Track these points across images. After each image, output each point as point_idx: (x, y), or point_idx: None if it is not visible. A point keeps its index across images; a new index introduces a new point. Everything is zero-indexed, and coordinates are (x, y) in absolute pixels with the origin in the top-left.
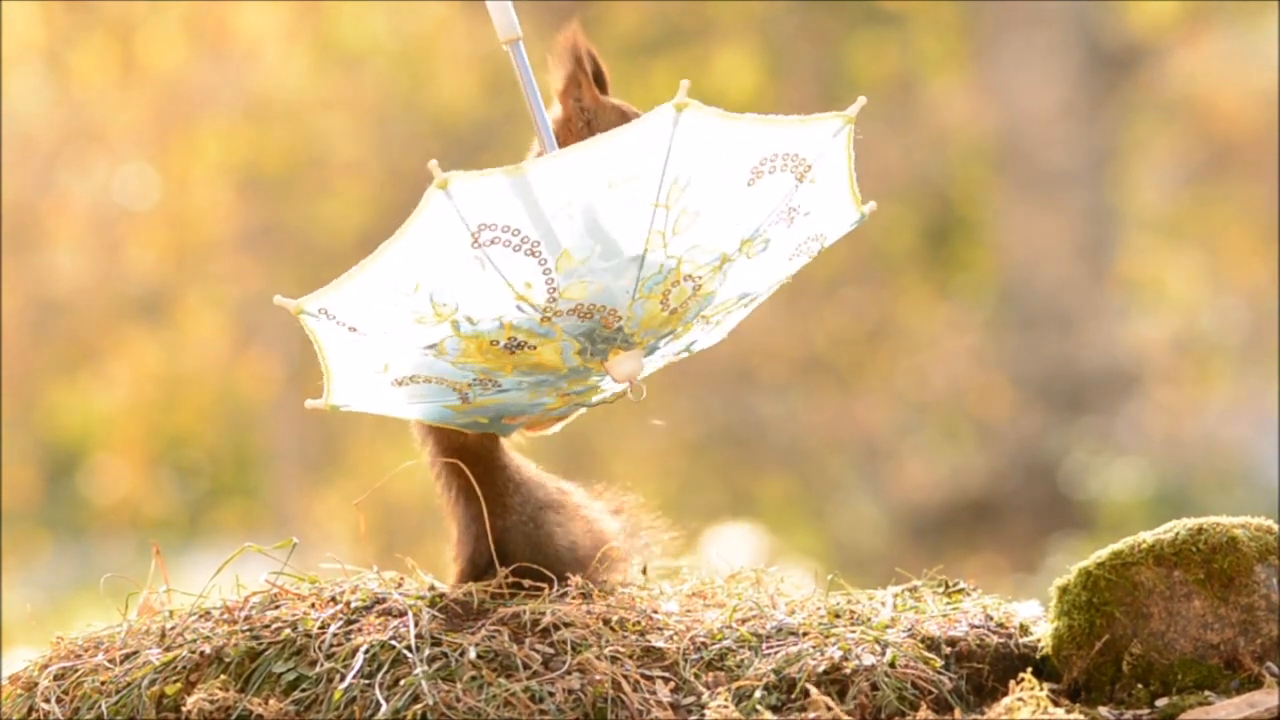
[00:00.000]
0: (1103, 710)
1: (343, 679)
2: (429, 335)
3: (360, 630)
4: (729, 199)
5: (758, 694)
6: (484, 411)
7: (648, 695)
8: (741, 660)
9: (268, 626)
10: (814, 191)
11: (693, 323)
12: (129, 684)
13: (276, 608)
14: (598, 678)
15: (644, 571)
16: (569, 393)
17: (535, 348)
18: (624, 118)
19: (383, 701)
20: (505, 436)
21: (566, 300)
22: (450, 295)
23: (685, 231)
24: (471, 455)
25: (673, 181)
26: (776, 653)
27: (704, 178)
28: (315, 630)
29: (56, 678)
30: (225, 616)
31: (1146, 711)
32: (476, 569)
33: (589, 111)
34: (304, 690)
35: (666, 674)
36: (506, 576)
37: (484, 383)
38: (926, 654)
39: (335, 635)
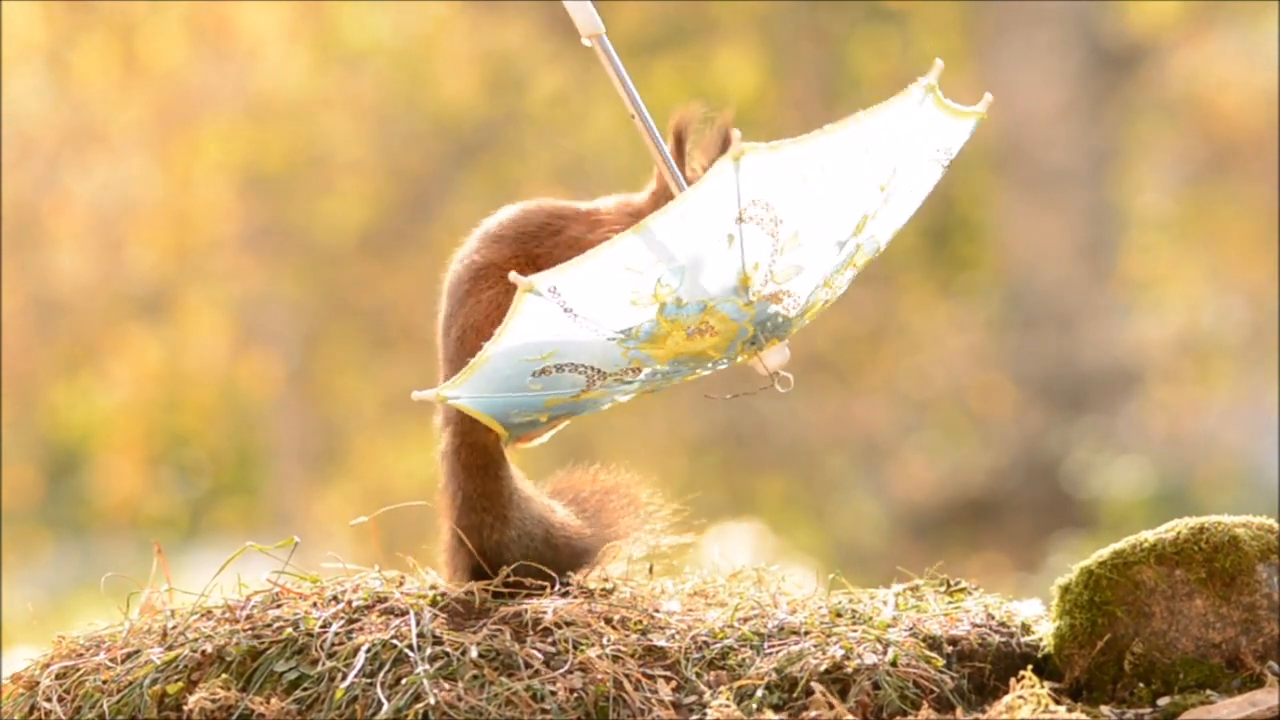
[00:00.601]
0: (1104, 709)
1: (344, 678)
2: (632, 318)
3: (362, 629)
4: (913, 189)
5: (759, 693)
6: (568, 408)
7: (649, 694)
8: (743, 659)
9: (269, 625)
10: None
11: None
12: (130, 683)
13: (278, 607)
14: (599, 676)
15: (649, 570)
16: (659, 386)
17: (716, 334)
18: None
19: (384, 701)
20: (508, 446)
21: (774, 284)
22: (677, 275)
23: (879, 218)
24: (487, 456)
25: (895, 165)
26: (778, 651)
27: (909, 164)
28: (317, 629)
29: (58, 677)
30: (227, 615)
31: (1148, 710)
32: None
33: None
34: (305, 689)
35: (668, 673)
36: (507, 576)
37: (627, 371)
38: (928, 653)
39: (337, 634)
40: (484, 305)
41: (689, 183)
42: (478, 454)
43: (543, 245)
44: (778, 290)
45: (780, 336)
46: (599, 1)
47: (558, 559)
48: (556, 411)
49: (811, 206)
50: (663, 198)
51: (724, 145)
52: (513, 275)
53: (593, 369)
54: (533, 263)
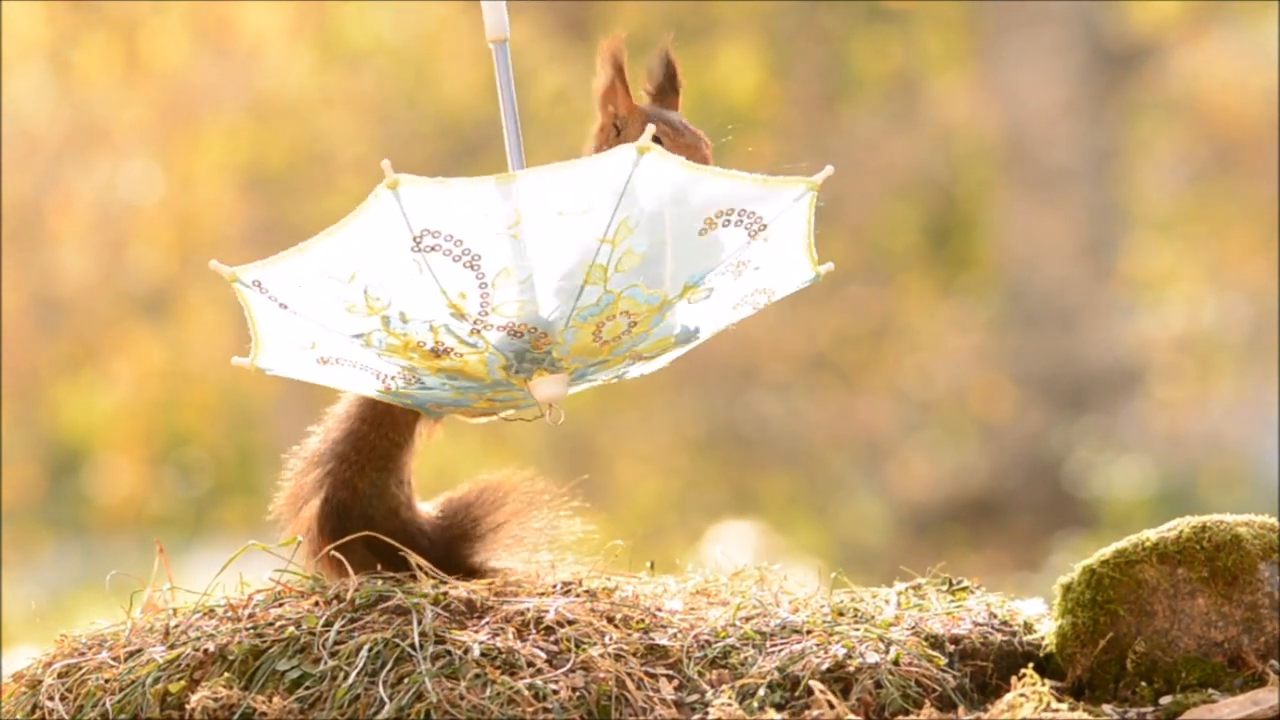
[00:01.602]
0: (1106, 708)
1: (346, 677)
2: (358, 325)
3: (364, 628)
4: (678, 245)
5: (761, 692)
6: (409, 400)
7: (651, 693)
8: (745, 658)
9: (271, 624)
10: (766, 249)
11: (625, 355)
12: (133, 682)
13: (280, 605)
14: (601, 675)
15: (651, 566)
16: (495, 400)
17: (462, 355)
18: (648, 122)
19: (386, 699)
20: (434, 420)
21: (499, 316)
22: (385, 291)
23: (628, 270)
24: (398, 427)
25: (622, 221)
26: (780, 650)
27: (654, 222)
28: (319, 628)
29: (60, 675)
30: (229, 614)
31: (1150, 709)
32: (327, 511)
33: (620, 120)
34: (307, 688)
35: (670, 672)
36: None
37: (408, 378)
38: (930, 652)
39: (339, 633)
40: None
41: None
42: (404, 413)
43: None
44: (509, 323)
45: (550, 369)
46: (602, 1)
47: (410, 540)
48: (410, 403)
49: (516, 247)
50: (603, 131)
51: (667, 70)
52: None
53: (371, 368)
54: None
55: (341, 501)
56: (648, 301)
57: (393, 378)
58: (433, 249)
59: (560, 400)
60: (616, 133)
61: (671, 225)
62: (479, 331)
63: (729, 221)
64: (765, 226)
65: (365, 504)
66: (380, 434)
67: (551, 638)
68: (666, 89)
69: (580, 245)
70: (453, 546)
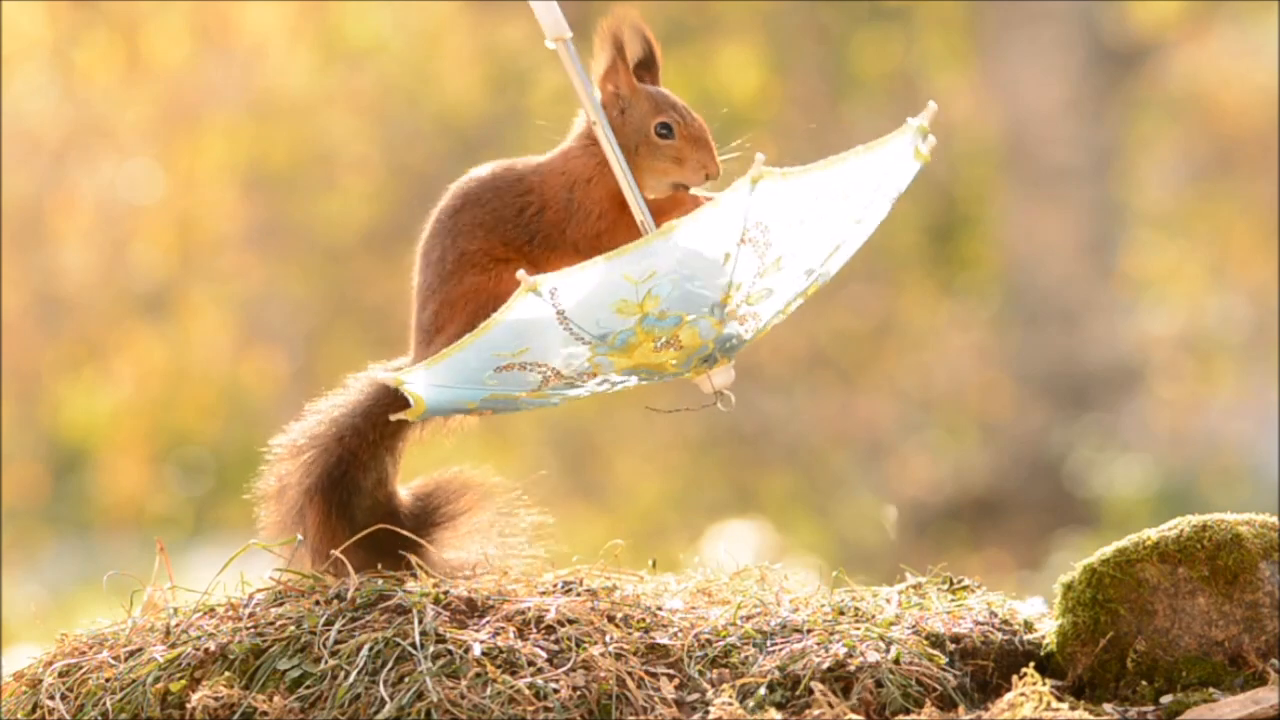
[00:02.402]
0: (1107, 707)
1: (347, 676)
2: (615, 324)
3: (364, 627)
4: (872, 224)
5: (762, 691)
6: (511, 405)
7: (652, 692)
8: (746, 657)
9: (272, 623)
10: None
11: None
12: (133, 681)
13: (280, 605)
14: (602, 674)
15: (652, 565)
16: (606, 392)
17: (680, 348)
18: (656, 108)
19: (387, 698)
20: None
21: (747, 306)
22: (668, 288)
23: (842, 249)
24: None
25: (870, 200)
26: (781, 649)
27: (878, 200)
28: (319, 627)
29: (61, 674)
30: (230, 613)
31: (1151, 708)
32: (324, 478)
33: (624, 100)
34: (308, 687)
35: (671, 671)
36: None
37: (584, 376)
38: (931, 651)
39: (339, 632)
40: (465, 287)
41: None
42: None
43: (528, 230)
44: (748, 311)
45: (730, 356)
46: (600, 1)
47: (392, 514)
48: (489, 406)
49: (798, 234)
50: (592, 152)
51: (645, 46)
52: (520, 274)
53: (552, 370)
54: (522, 254)
55: (337, 466)
56: (821, 282)
57: (562, 377)
58: (750, 241)
59: (729, 386)
60: (620, 112)
61: (880, 206)
62: (723, 321)
63: (890, 198)
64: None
65: (359, 471)
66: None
67: (552, 637)
68: (649, 64)
69: (838, 227)
70: (418, 531)
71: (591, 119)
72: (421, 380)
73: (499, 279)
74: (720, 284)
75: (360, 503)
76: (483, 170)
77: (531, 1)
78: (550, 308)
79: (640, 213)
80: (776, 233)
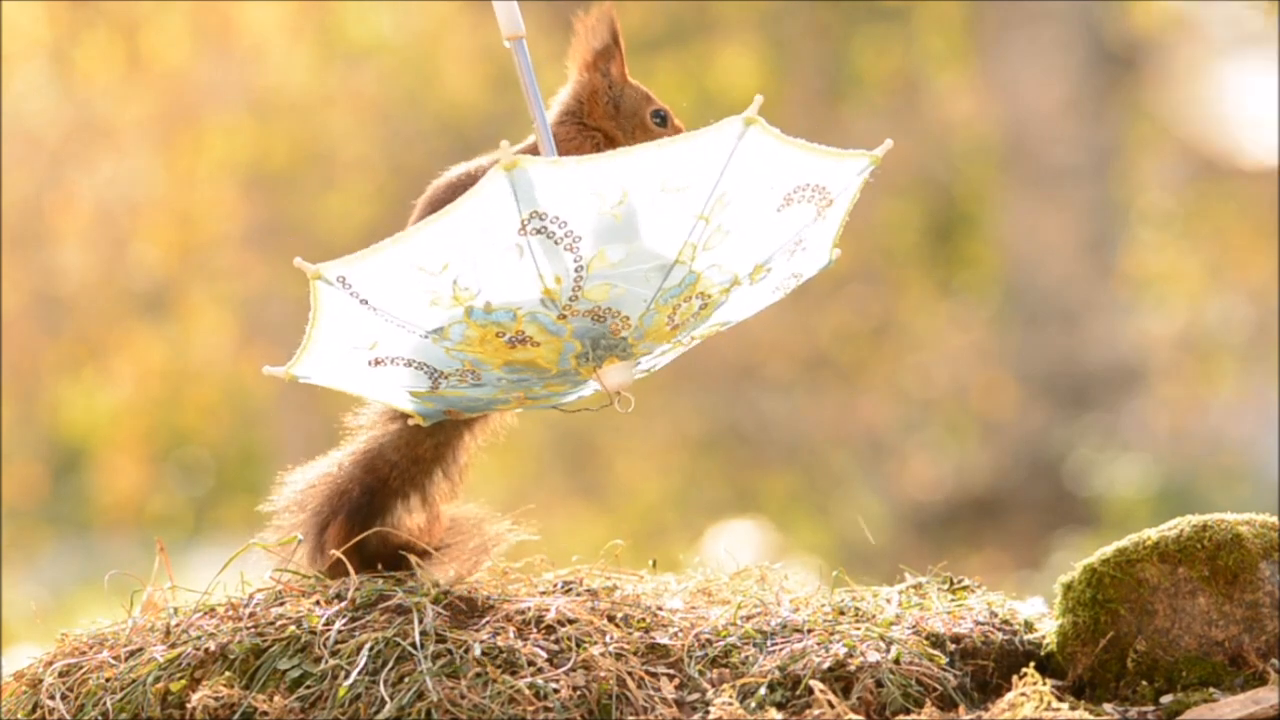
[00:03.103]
0: (1107, 707)
1: (347, 676)
2: (437, 318)
3: (364, 627)
4: (759, 222)
5: (762, 691)
6: (441, 402)
7: (652, 692)
8: (746, 657)
9: (272, 623)
10: (820, 227)
11: (682, 341)
12: (133, 681)
13: (281, 604)
14: (602, 674)
15: (653, 565)
16: (535, 395)
17: (538, 345)
18: (648, 98)
19: (387, 698)
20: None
21: (586, 301)
22: (475, 280)
23: (714, 248)
24: (448, 449)
25: (720, 196)
26: (781, 649)
27: (745, 197)
28: (319, 627)
29: (61, 674)
30: (230, 613)
31: (1151, 708)
32: (347, 521)
33: (616, 88)
34: (308, 687)
35: (671, 671)
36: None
37: (465, 374)
38: (931, 651)
39: (339, 632)
40: None
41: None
42: (439, 446)
43: None
44: (595, 308)
45: (620, 356)
46: (599, 1)
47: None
48: (438, 404)
49: (617, 228)
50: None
51: (612, 33)
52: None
53: (429, 367)
54: None
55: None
56: (721, 283)
57: (447, 376)
58: (538, 231)
59: (627, 387)
60: (609, 100)
61: (758, 201)
62: (565, 317)
63: (803, 197)
64: (831, 203)
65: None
66: (429, 437)
67: (552, 637)
68: (611, 52)
69: (677, 223)
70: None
71: (532, 117)
72: (309, 374)
73: None
74: (531, 279)
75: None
76: (446, 175)
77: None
78: (349, 298)
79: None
80: (580, 225)
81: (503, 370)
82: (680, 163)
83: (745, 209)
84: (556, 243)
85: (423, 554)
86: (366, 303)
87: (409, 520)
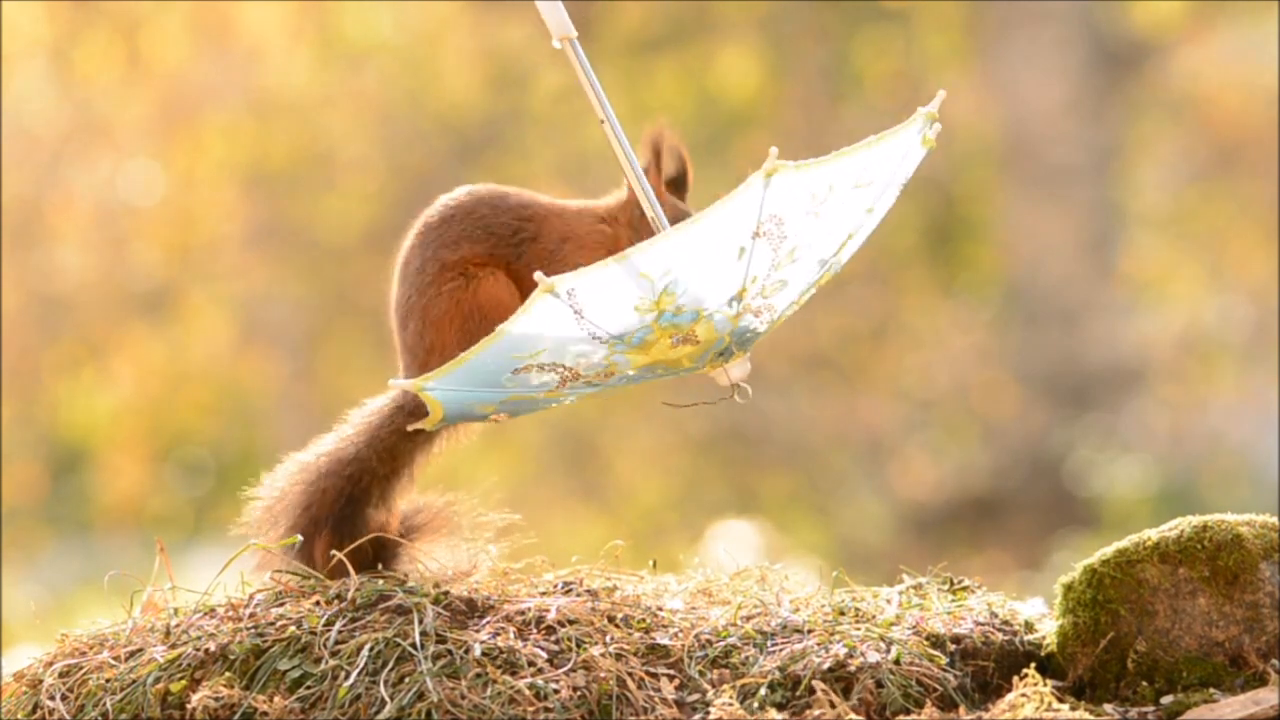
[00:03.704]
0: (1107, 707)
1: (347, 676)
2: (631, 323)
3: (365, 627)
4: (848, 216)
5: (762, 691)
6: (528, 405)
7: (652, 692)
8: (746, 657)
9: (272, 624)
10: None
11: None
12: (134, 681)
13: (281, 605)
14: (602, 674)
15: (653, 566)
16: (614, 389)
17: (697, 343)
18: (677, 215)
19: (387, 699)
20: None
21: (761, 298)
22: (685, 284)
23: (855, 238)
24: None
25: (885, 189)
26: (781, 650)
27: (889, 189)
28: (319, 627)
29: (61, 675)
30: (230, 614)
31: (1151, 709)
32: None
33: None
34: (308, 688)
35: (671, 671)
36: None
37: (603, 375)
38: (931, 651)
39: (340, 633)
40: (444, 298)
41: (658, 194)
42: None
43: (517, 250)
44: (763, 304)
45: (745, 349)
46: (600, 1)
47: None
48: (509, 408)
49: (812, 225)
50: (630, 206)
51: (679, 166)
52: (537, 275)
53: (569, 369)
54: (503, 266)
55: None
56: (833, 272)
57: (579, 378)
58: (764, 234)
59: (746, 379)
60: (639, 215)
61: (893, 189)
62: (740, 314)
63: (887, 183)
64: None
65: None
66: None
67: (552, 637)
68: (680, 184)
69: (851, 217)
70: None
71: (599, 115)
72: (439, 385)
73: (476, 289)
74: (735, 278)
75: (363, 531)
76: (478, 187)
77: (538, 1)
78: (568, 309)
79: (654, 212)
80: (791, 225)
81: (639, 370)
82: (878, 159)
83: (887, 200)
84: (770, 242)
85: (395, 544)
86: (579, 313)
87: (375, 518)
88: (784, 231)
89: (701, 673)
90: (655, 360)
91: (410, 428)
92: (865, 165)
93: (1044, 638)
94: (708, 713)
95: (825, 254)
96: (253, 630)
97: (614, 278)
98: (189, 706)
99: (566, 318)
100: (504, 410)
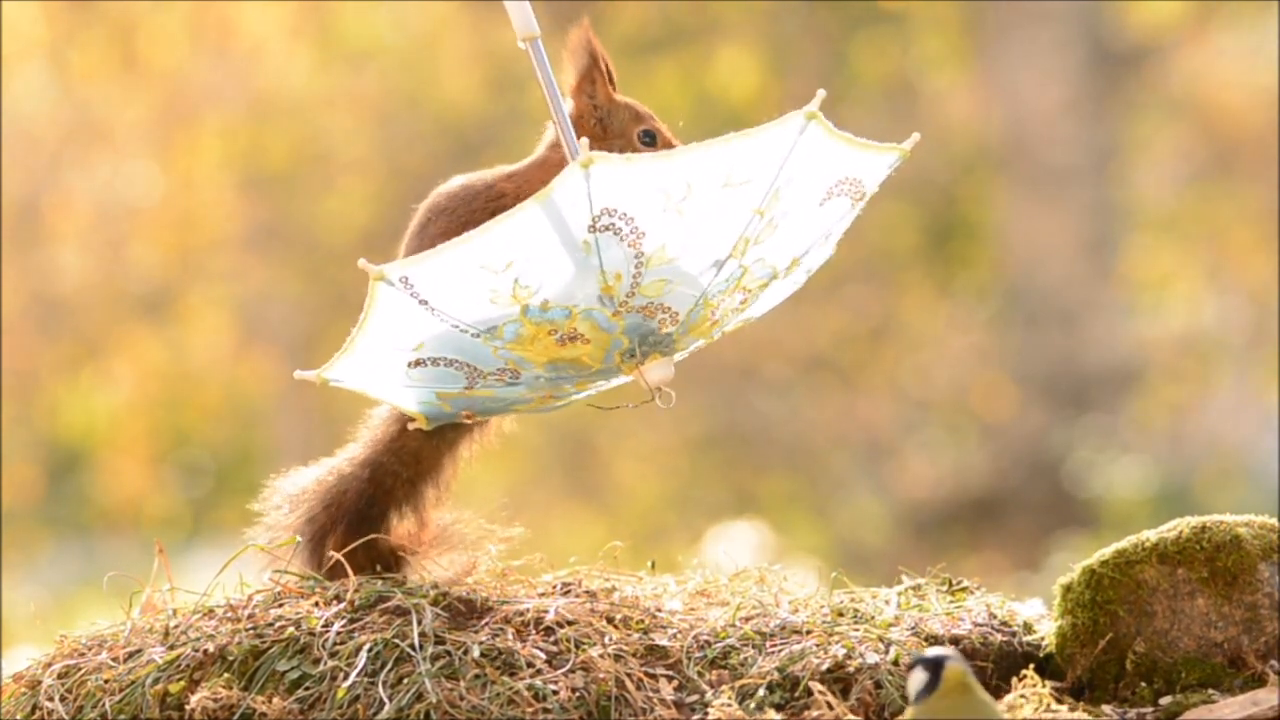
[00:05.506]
0: (1106, 708)
1: (346, 677)
2: (494, 314)
3: (363, 628)
4: (802, 216)
5: (761, 692)
6: (466, 404)
7: (651, 693)
8: (745, 658)
9: (271, 625)
10: (847, 220)
11: (713, 336)
12: (132, 682)
13: (280, 606)
14: (601, 675)
15: (651, 566)
16: (562, 394)
17: (588, 342)
18: (637, 116)
19: (386, 700)
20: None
21: (641, 297)
22: (536, 278)
23: (763, 242)
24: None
25: (776, 190)
26: (780, 651)
27: (795, 191)
28: (318, 628)
29: (60, 676)
30: (229, 615)
31: (1150, 710)
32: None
33: (601, 109)
34: (307, 688)
35: (670, 672)
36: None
37: (505, 373)
38: None
39: (338, 633)
40: None
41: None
42: (435, 452)
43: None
44: (648, 304)
45: (663, 352)
46: (600, 1)
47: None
48: (459, 405)
49: (678, 223)
50: (557, 147)
51: (593, 58)
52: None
53: (469, 366)
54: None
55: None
56: (761, 277)
57: (486, 375)
58: (606, 228)
59: (668, 383)
60: (597, 122)
61: (805, 194)
62: (619, 314)
63: (842, 191)
64: (863, 196)
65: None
66: (432, 446)
67: (551, 638)
68: (593, 73)
69: (735, 217)
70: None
71: (554, 119)
72: (340, 377)
73: None
74: (593, 275)
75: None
76: (449, 184)
77: (505, 1)
78: (409, 298)
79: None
80: (645, 223)
81: (544, 369)
82: (744, 157)
83: (794, 203)
84: (622, 239)
85: (413, 556)
86: (426, 303)
87: (400, 526)
88: (638, 228)
89: (700, 674)
90: (553, 358)
91: (410, 426)
92: (729, 164)
93: (1043, 638)
94: (706, 714)
95: (717, 255)
96: (251, 631)
97: (450, 266)
98: (188, 707)
99: (412, 308)
100: (462, 408)
